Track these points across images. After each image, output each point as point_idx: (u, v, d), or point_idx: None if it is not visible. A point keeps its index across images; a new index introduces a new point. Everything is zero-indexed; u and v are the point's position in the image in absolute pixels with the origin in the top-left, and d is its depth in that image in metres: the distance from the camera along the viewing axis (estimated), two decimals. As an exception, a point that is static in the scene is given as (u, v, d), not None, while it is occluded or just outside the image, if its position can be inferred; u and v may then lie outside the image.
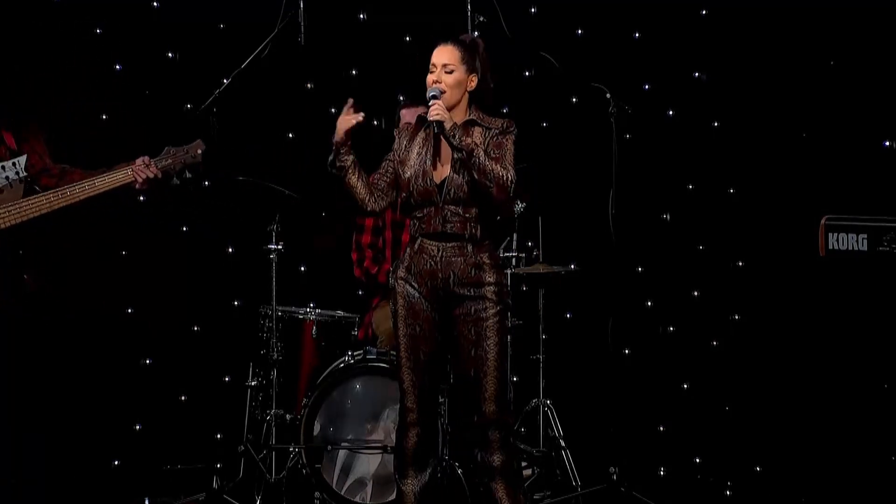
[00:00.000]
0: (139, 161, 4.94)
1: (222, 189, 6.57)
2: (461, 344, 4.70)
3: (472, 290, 4.69)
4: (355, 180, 4.78)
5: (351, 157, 4.75)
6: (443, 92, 4.70)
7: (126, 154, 5.02)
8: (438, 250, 4.72)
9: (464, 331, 4.69)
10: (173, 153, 5.01)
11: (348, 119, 4.73)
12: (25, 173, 4.88)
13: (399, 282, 4.78)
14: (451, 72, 4.73)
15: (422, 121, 4.83)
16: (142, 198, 6.48)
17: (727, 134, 6.87)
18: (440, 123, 4.64)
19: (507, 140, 4.77)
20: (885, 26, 6.49)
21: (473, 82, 4.78)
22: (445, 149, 4.76)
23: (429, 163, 4.75)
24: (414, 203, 4.77)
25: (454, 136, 4.64)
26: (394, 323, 4.81)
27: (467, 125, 4.76)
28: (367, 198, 4.81)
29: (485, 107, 4.83)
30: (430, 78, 4.74)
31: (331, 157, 4.76)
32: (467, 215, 4.71)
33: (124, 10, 6.60)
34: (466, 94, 4.78)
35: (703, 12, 6.84)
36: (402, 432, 4.77)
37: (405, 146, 4.84)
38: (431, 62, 4.76)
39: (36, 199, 4.86)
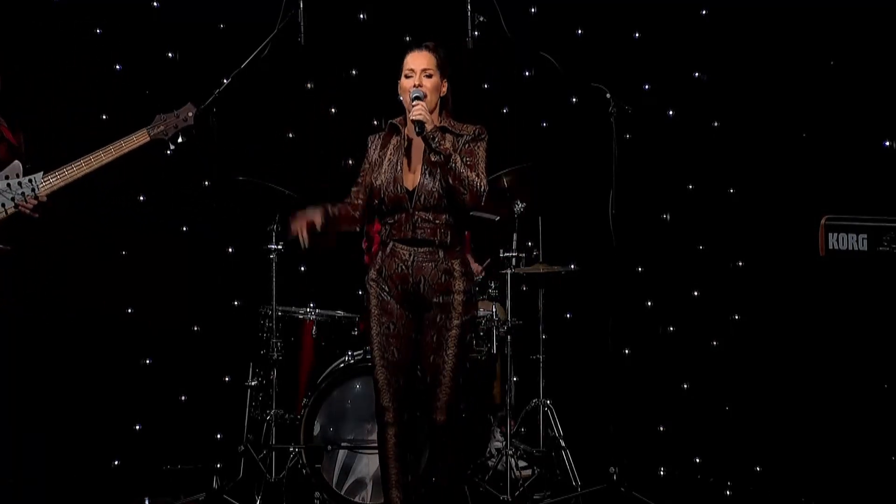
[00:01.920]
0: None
1: (222, 189, 6.56)
2: (423, 348, 4.78)
3: (440, 297, 4.75)
4: (338, 228, 4.88)
5: (328, 228, 4.82)
6: (425, 95, 4.73)
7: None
8: (410, 255, 4.77)
9: (427, 336, 4.77)
10: (164, 119, 5.09)
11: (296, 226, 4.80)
12: (42, 189, 4.91)
13: (371, 283, 4.84)
14: (430, 76, 4.79)
15: (393, 128, 4.89)
16: (141, 197, 6.51)
17: (727, 134, 6.89)
18: (422, 124, 4.67)
19: (478, 147, 4.82)
20: (885, 26, 6.49)
21: (445, 87, 4.85)
22: (417, 155, 4.81)
23: (400, 169, 4.80)
24: (385, 209, 4.82)
25: (433, 139, 4.69)
26: (366, 323, 4.84)
27: (439, 131, 4.79)
28: (356, 223, 4.93)
29: (450, 111, 4.89)
30: (406, 83, 4.79)
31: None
32: (437, 221, 4.77)
33: (124, 10, 6.62)
34: (439, 101, 4.84)
35: (703, 12, 6.88)
36: (381, 433, 4.80)
37: (377, 154, 4.89)
38: (407, 68, 4.80)
39: (66, 168, 4.90)
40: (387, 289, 4.78)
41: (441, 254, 4.76)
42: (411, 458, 4.90)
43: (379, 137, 4.93)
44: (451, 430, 4.74)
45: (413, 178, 4.79)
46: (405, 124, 4.88)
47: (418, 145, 4.81)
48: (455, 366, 4.72)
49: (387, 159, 4.84)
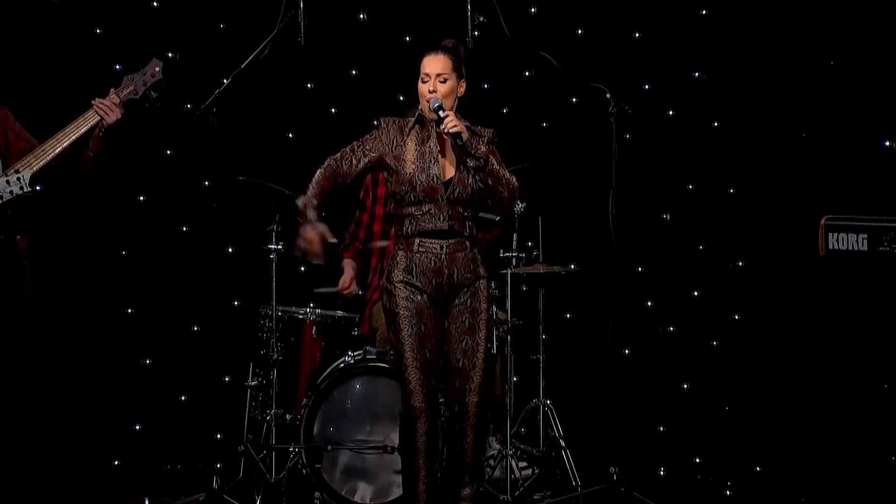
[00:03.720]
0: (97, 100, 4.99)
1: (222, 189, 6.56)
2: (454, 334, 4.85)
3: (469, 284, 4.86)
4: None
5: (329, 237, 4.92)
6: (440, 106, 4.76)
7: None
8: (442, 248, 4.82)
9: (457, 322, 4.85)
10: (132, 78, 5.09)
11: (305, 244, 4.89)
12: (29, 188, 4.92)
13: (398, 285, 4.84)
14: (444, 81, 4.82)
15: (420, 119, 4.88)
16: (142, 197, 6.49)
17: (727, 134, 6.88)
18: (459, 136, 4.71)
19: (495, 150, 4.92)
20: (885, 26, 6.49)
21: (462, 88, 4.90)
22: (447, 147, 4.85)
23: (432, 161, 4.82)
24: (414, 199, 4.82)
25: (471, 147, 4.76)
26: (393, 325, 4.86)
27: (473, 137, 4.86)
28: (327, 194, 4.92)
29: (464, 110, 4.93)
30: (423, 88, 4.83)
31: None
32: (466, 214, 4.85)
33: (124, 10, 6.62)
34: (457, 101, 4.89)
35: (703, 12, 6.86)
36: (411, 428, 4.81)
37: (396, 140, 4.87)
38: (423, 72, 4.84)
39: (24, 161, 4.89)
40: (419, 286, 4.82)
41: (468, 244, 4.86)
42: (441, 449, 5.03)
43: (394, 122, 4.92)
44: (484, 412, 4.86)
45: (447, 170, 4.84)
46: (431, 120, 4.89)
47: (446, 141, 4.85)
48: (486, 348, 4.85)
49: (414, 149, 4.84)
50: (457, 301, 4.86)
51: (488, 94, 6.98)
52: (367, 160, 4.88)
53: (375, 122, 4.98)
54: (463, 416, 4.84)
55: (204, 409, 6.65)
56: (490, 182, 4.78)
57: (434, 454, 4.92)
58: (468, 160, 4.75)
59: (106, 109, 4.99)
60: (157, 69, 5.09)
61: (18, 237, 5.00)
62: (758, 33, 6.75)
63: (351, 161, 4.89)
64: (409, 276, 4.83)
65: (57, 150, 4.94)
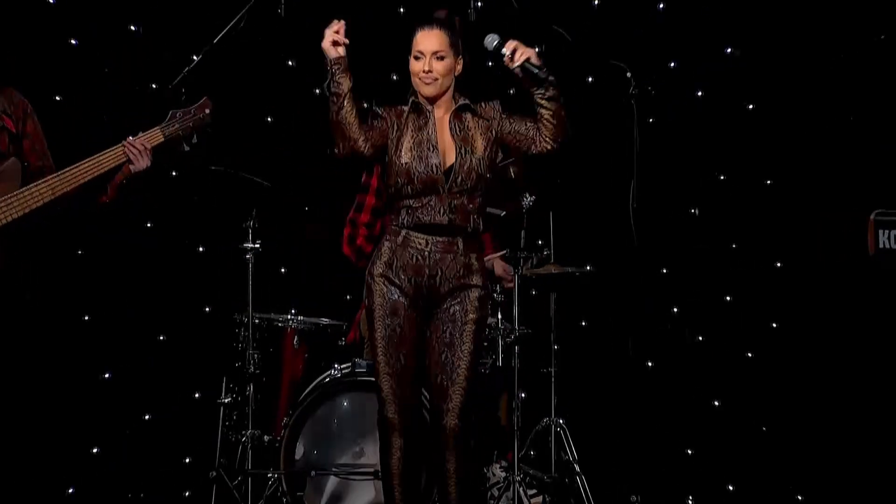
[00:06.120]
0: (129, 140, 4.97)
1: (192, 180, 6.56)
2: (434, 346, 4.84)
3: (457, 292, 4.85)
4: (350, 113, 4.79)
5: (348, 82, 4.77)
6: (503, 50, 4.75)
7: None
8: (427, 244, 4.84)
9: (438, 332, 4.84)
10: (180, 116, 5.06)
11: (332, 34, 4.80)
12: (27, 162, 4.94)
13: (377, 279, 4.86)
14: (441, 58, 4.87)
15: (416, 106, 4.91)
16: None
17: (763, 117, 6.84)
18: (528, 63, 4.73)
19: (511, 114, 4.97)
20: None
21: (460, 65, 4.94)
22: (445, 135, 4.88)
23: (430, 148, 4.84)
24: (412, 191, 4.83)
25: (543, 69, 4.72)
26: (369, 324, 4.87)
27: (461, 111, 4.92)
28: (360, 138, 4.80)
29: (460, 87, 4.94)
30: (416, 66, 4.87)
31: (327, 81, 4.80)
32: (471, 206, 4.85)
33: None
34: (454, 80, 4.93)
35: (738, -22, 6.81)
36: (386, 448, 4.85)
37: (395, 125, 4.90)
38: (416, 49, 4.87)
39: (37, 187, 4.87)
40: (397, 283, 4.82)
41: (460, 245, 4.84)
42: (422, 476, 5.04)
43: (392, 109, 4.93)
44: (465, 437, 4.80)
45: (446, 158, 4.85)
46: (428, 102, 4.90)
47: (445, 124, 4.89)
48: (470, 364, 4.81)
49: (409, 137, 4.86)
50: (441, 308, 4.85)
51: (493, 74, 6.83)
52: (382, 131, 4.87)
53: (370, 108, 4.98)
54: (439, 440, 4.82)
55: (171, 430, 6.62)
56: (562, 114, 4.81)
57: (414, 478, 4.94)
58: (542, 90, 4.76)
59: (137, 154, 4.97)
60: (208, 111, 5.09)
61: None
62: (798, 2, 6.71)
63: (375, 130, 4.85)
64: (388, 271, 4.85)
65: (67, 189, 4.93)
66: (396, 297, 4.84)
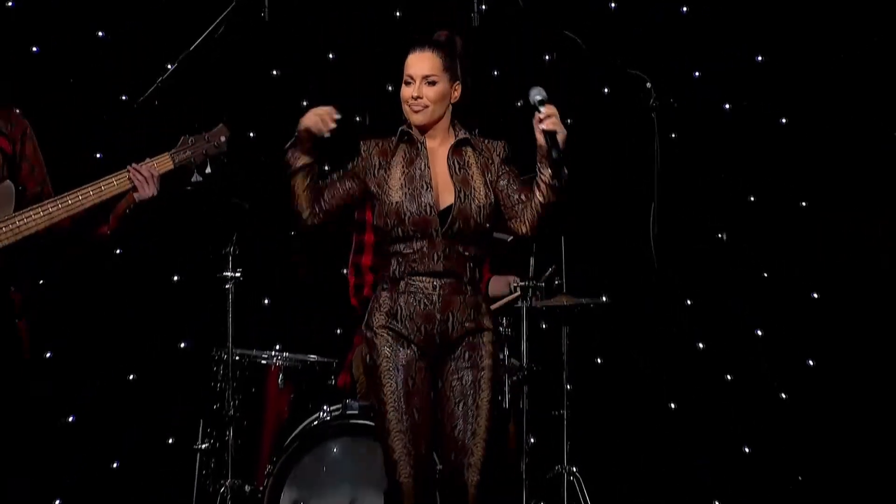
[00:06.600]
0: (135, 165, 4.91)
1: (166, 203, 6.36)
2: (449, 395, 4.74)
3: (468, 336, 4.75)
4: (301, 187, 4.75)
5: (305, 160, 4.71)
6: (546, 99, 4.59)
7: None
8: (435, 288, 4.71)
9: (453, 380, 4.74)
10: (193, 143, 4.98)
11: (317, 117, 4.70)
12: (23, 186, 4.87)
13: (379, 332, 4.74)
14: (433, 83, 4.73)
15: (405, 135, 4.79)
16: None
17: (797, 133, 6.80)
18: (553, 136, 4.52)
19: (514, 168, 4.82)
20: None
21: (457, 92, 4.80)
22: (441, 170, 4.75)
23: (424, 186, 4.71)
24: (402, 234, 4.71)
25: (562, 155, 4.56)
26: (372, 382, 4.74)
27: (460, 145, 4.78)
28: (307, 211, 4.76)
29: (461, 117, 4.85)
30: (406, 91, 4.74)
31: (288, 143, 4.74)
32: (467, 254, 4.73)
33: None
34: (450, 108, 4.79)
35: (768, -19, 6.83)
36: None
37: (379, 163, 4.79)
38: (406, 73, 4.75)
39: (33, 212, 4.80)
40: (405, 333, 4.70)
41: (468, 287, 4.76)
42: None
43: (376, 144, 4.82)
44: (486, 493, 4.70)
45: (442, 199, 4.72)
46: (420, 132, 4.80)
47: (440, 158, 4.76)
48: (490, 413, 4.72)
49: (399, 172, 4.75)
50: (453, 355, 4.73)
51: (498, 84, 6.94)
52: (346, 191, 4.79)
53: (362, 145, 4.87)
54: (459, 500, 4.68)
55: (142, 480, 6.57)
56: (542, 212, 4.64)
57: None
58: (549, 171, 4.58)
59: (143, 181, 4.88)
60: (223, 139, 5.00)
61: None
62: (836, 7, 6.67)
63: (333, 193, 4.81)
64: (392, 322, 4.71)
65: (64, 217, 4.84)
66: (405, 348, 4.71)
